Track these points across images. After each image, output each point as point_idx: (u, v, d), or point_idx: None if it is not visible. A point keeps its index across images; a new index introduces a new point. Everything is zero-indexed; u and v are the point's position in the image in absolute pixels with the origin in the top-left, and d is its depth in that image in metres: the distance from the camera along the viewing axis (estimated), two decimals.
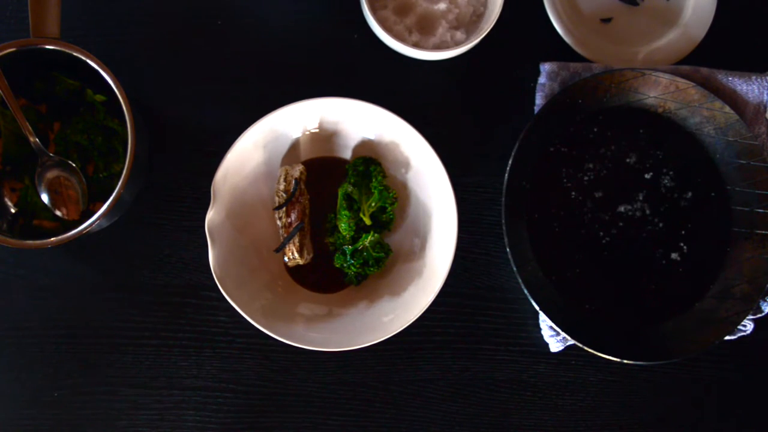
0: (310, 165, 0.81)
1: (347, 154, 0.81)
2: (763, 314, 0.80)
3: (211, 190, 0.73)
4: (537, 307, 0.77)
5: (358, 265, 0.77)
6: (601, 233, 0.82)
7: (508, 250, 0.77)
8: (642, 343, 0.79)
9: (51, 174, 0.76)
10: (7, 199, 0.78)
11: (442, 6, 0.80)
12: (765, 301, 0.80)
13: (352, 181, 0.79)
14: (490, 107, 0.84)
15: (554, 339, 0.80)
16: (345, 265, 0.78)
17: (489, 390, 0.82)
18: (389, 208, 0.79)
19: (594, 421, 0.82)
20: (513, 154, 0.79)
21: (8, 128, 0.76)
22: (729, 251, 0.81)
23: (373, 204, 0.78)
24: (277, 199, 0.78)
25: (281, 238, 0.78)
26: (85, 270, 0.81)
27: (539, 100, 0.82)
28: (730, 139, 0.80)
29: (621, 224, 0.82)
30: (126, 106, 0.71)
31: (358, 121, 0.78)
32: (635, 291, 0.81)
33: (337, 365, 0.81)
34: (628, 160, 0.82)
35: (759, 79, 0.82)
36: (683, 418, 0.82)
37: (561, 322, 0.77)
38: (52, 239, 0.70)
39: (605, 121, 0.82)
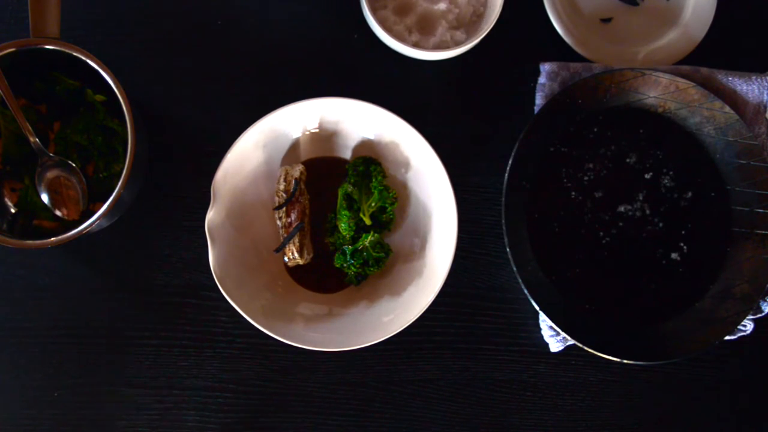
0: (310, 165, 0.81)
1: (347, 154, 0.81)
2: (763, 314, 0.80)
3: (211, 190, 0.73)
4: (537, 307, 0.77)
5: (358, 265, 0.77)
6: (601, 233, 0.82)
7: (508, 250, 0.77)
8: (642, 343, 0.79)
9: (51, 174, 0.76)
10: (7, 199, 0.78)
11: (442, 6, 0.80)
12: (765, 301, 0.80)
13: (352, 181, 0.79)
14: (490, 107, 0.84)
15: (554, 339, 0.80)
16: (345, 265, 0.78)
17: (489, 390, 0.82)
18: (389, 208, 0.79)
19: (594, 421, 0.82)
20: (513, 154, 0.79)
21: (8, 128, 0.76)
22: (729, 251, 0.81)
23: (373, 204, 0.78)
24: (277, 199, 0.78)
25: (281, 238, 0.78)
26: (85, 270, 0.81)
27: (539, 100, 0.82)
28: (730, 139, 0.80)
29: (621, 224, 0.82)
30: (126, 106, 0.71)
31: (358, 121, 0.78)
32: (635, 291, 0.81)
33: (337, 365, 0.81)
34: (628, 160, 0.82)
35: (759, 79, 0.82)
36: (683, 418, 0.82)
37: (561, 322, 0.77)
38: (52, 239, 0.70)
39: (605, 121, 0.82)
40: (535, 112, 0.81)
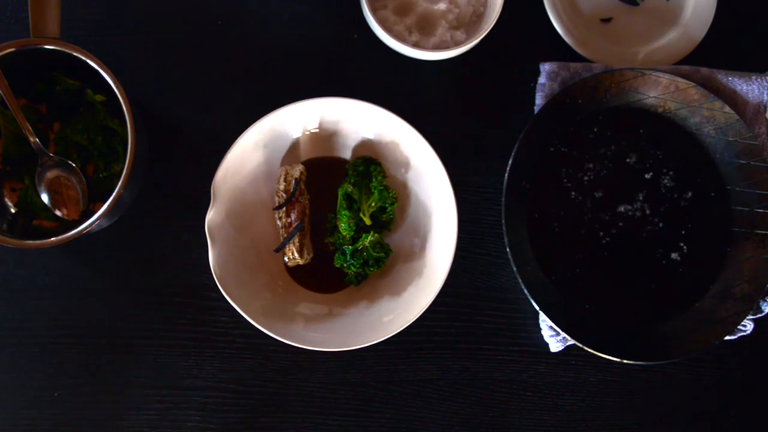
0: (310, 165, 0.81)
1: (347, 154, 0.81)
2: (763, 314, 0.80)
3: (211, 190, 0.73)
4: (537, 307, 0.77)
5: (358, 265, 0.77)
6: (601, 233, 0.82)
7: (508, 250, 0.77)
8: (642, 343, 0.79)
9: (51, 174, 0.76)
10: (7, 199, 0.78)
11: (442, 6, 0.80)
12: (765, 301, 0.80)
13: (352, 181, 0.79)
14: (490, 107, 0.84)
15: (554, 339, 0.80)
16: (345, 265, 0.78)
17: (489, 390, 0.82)
18: (389, 208, 0.79)
19: (594, 421, 0.82)
20: (513, 154, 0.79)
21: (8, 128, 0.76)
22: (729, 251, 0.81)
23: (373, 204, 0.78)
24: (277, 199, 0.78)
25: (281, 238, 0.78)
26: (85, 270, 0.81)
27: (539, 100, 0.82)
28: (730, 139, 0.80)
29: (621, 224, 0.82)
30: (126, 106, 0.71)
31: (358, 121, 0.78)
32: (635, 291, 0.81)
33: (337, 365, 0.81)
34: (628, 160, 0.82)
35: (759, 79, 0.82)
36: (683, 418, 0.82)
37: (561, 322, 0.77)
38: (52, 239, 0.70)
39: (605, 121, 0.82)
40: (535, 112, 0.81)
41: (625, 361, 0.77)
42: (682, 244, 0.82)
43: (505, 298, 0.82)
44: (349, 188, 0.78)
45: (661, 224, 0.82)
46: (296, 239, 0.77)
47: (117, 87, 0.71)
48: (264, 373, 0.81)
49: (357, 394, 0.81)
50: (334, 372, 0.81)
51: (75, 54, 0.71)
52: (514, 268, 0.77)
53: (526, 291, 0.77)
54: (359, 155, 0.80)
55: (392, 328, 0.74)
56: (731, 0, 0.84)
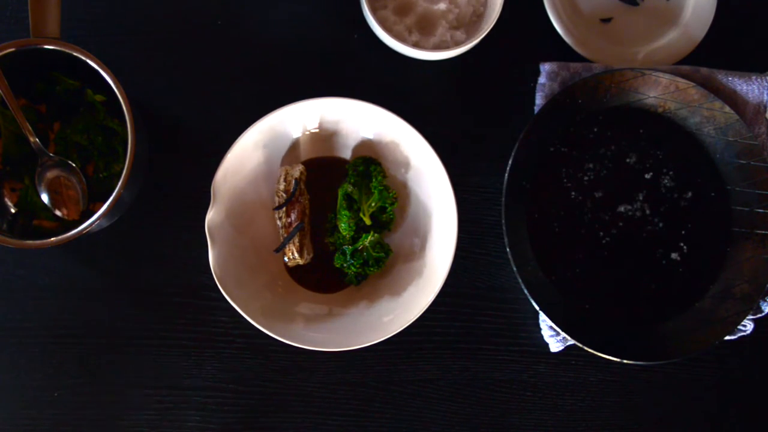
0: (310, 165, 0.81)
1: (347, 154, 0.81)
2: (763, 314, 0.80)
3: (211, 190, 0.73)
4: (537, 307, 0.77)
5: (358, 265, 0.77)
6: (601, 233, 0.82)
7: (508, 250, 0.77)
8: (642, 343, 0.79)
9: (51, 174, 0.76)
10: (7, 199, 0.78)
11: (442, 6, 0.80)
12: (765, 301, 0.80)
13: (352, 181, 0.79)
14: (490, 107, 0.84)
15: (554, 339, 0.80)
16: (345, 265, 0.78)
17: (489, 390, 0.82)
18: (389, 208, 0.79)
19: (594, 421, 0.82)
20: (513, 154, 0.79)
21: (8, 128, 0.76)
22: (729, 251, 0.81)
23: (373, 204, 0.78)
24: (277, 199, 0.78)
25: (281, 238, 0.78)
26: (85, 270, 0.81)
27: (539, 100, 0.82)
28: (730, 139, 0.80)
29: (621, 224, 0.82)
30: (126, 106, 0.71)
31: (358, 121, 0.78)
32: (635, 291, 0.81)
33: (337, 365, 0.81)
34: (628, 160, 0.82)
35: (759, 79, 0.82)
36: (683, 418, 0.82)
37: (561, 322, 0.77)
38: (52, 239, 0.70)
39: (605, 121, 0.82)
40: (535, 112, 0.81)
41: (625, 361, 0.77)
42: (682, 244, 0.82)
43: (505, 298, 0.82)
44: (349, 188, 0.78)
45: (661, 224, 0.82)
46: (296, 239, 0.77)
47: (117, 87, 0.71)
48: (264, 373, 0.81)
49: (357, 394, 0.81)
50: (334, 372, 0.81)
51: (75, 54, 0.71)
52: (514, 268, 0.77)
53: (526, 291, 0.77)
54: (359, 155, 0.80)
55: (392, 328, 0.74)
56: (731, 0, 0.84)
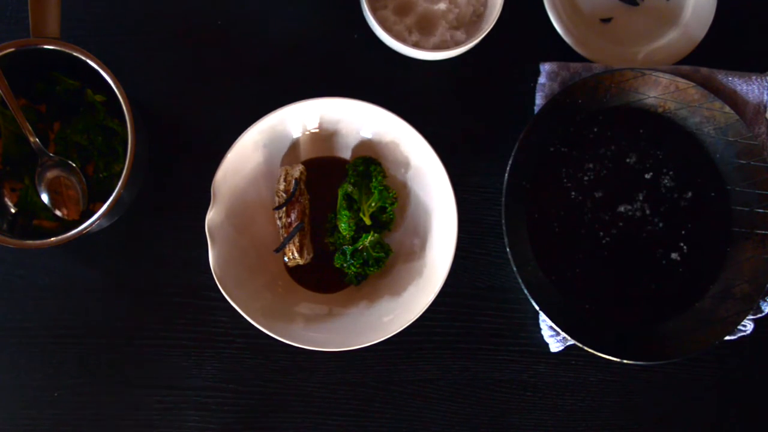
0: (310, 165, 0.81)
1: (347, 154, 0.81)
2: (763, 314, 0.80)
3: (211, 190, 0.73)
4: (537, 307, 0.77)
5: (358, 265, 0.77)
6: (601, 233, 0.82)
7: (508, 250, 0.77)
8: (642, 343, 0.79)
9: (51, 174, 0.76)
10: (7, 199, 0.78)
11: (442, 6, 0.80)
12: (765, 301, 0.80)
13: (352, 181, 0.79)
14: (490, 107, 0.84)
15: (554, 339, 0.80)
16: (345, 265, 0.78)
17: (489, 390, 0.82)
18: (389, 208, 0.79)
19: (594, 421, 0.82)
20: (513, 154, 0.79)
21: (8, 128, 0.76)
22: (729, 251, 0.81)
23: (373, 204, 0.78)
24: (277, 199, 0.78)
25: (281, 238, 0.78)
26: (85, 270, 0.81)
27: (539, 100, 0.82)
28: (730, 139, 0.80)
29: (621, 224, 0.82)
30: (126, 106, 0.71)
31: (358, 121, 0.78)
32: (635, 291, 0.81)
33: (337, 365, 0.81)
34: (628, 160, 0.82)
35: (759, 79, 0.82)
36: (683, 418, 0.82)
37: (561, 322, 0.77)
38: (52, 239, 0.70)
39: (605, 121, 0.82)
40: (535, 112, 0.81)
41: (625, 361, 0.77)
42: (682, 244, 0.82)
43: (505, 298, 0.82)
44: (349, 188, 0.78)
45: (661, 224, 0.82)
46: (296, 239, 0.77)
47: (117, 87, 0.71)
48: (264, 373, 0.81)
49: (357, 394, 0.81)
50: (334, 372, 0.81)
51: (75, 54, 0.71)
52: (514, 268, 0.77)
53: (526, 291, 0.77)
54: (359, 155, 0.80)
55: (392, 328, 0.74)
56: (731, 0, 0.84)
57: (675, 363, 0.82)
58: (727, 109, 0.79)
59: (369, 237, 0.77)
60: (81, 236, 0.70)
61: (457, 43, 0.79)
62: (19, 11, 0.83)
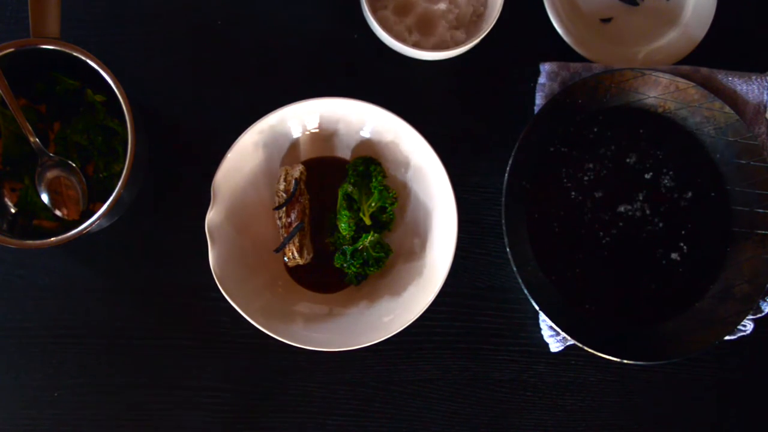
0: (310, 165, 0.81)
1: (347, 154, 0.81)
2: (763, 314, 0.80)
3: (211, 190, 0.73)
4: (537, 307, 0.77)
5: (358, 265, 0.77)
6: (601, 233, 0.82)
7: (508, 250, 0.77)
8: (642, 343, 0.79)
9: (51, 174, 0.76)
10: (7, 199, 0.78)
11: (442, 6, 0.80)
12: (765, 301, 0.80)
13: (352, 181, 0.79)
14: (490, 107, 0.84)
15: (554, 339, 0.80)
16: (345, 265, 0.78)
17: (489, 390, 0.82)
18: (389, 208, 0.79)
19: (594, 421, 0.82)
20: (513, 154, 0.79)
21: (8, 128, 0.76)
22: (729, 251, 0.81)
23: (373, 204, 0.78)
24: (277, 199, 0.78)
25: (281, 238, 0.78)
26: (85, 270, 0.81)
27: (539, 100, 0.82)
28: (730, 139, 0.80)
29: (621, 224, 0.82)
30: (126, 106, 0.71)
31: (358, 121, 0.78)
32: (635, 291, 0.81)
33: (337, 365, 0.81)
34: (628, 160, 0.82)
35: (759, 79, 0.82)
36: (683, 418, 0.82)
37: (561, 322, 0.77)
38: (52, 239, 0.70)
39: (605, 121, 0.82)
40: (535, 112, 0.81)
41: (625, 361, 0.77)
42: (682, 244, 0.82)
43: (505, 298, 0.82)
44: (349, 188, 0.78)
45: (661, 224, 0.82)
46: (296, 239, 0.77)
47: (117, 87, 0.71)
48: (264, 373, 0.81)
49: (357, 394, 0.81)
50: (334, 372, 0.81)
51: (75, 54, 0.71)
52: (514, 268, 0.77)
53: (526, 291, 0.77)
54: (359, 155, 0.80)
55: (392, 328, 0.74)
56: (731, 0, 0.84)
57: (675, 363, 0.82)
58: (727, 109, 0.79)
59: (369, 237, 0.77)
60: (81, 236, 0.70)
61: (457, 43, 0.79)
62: (19, 11, 0.83)
